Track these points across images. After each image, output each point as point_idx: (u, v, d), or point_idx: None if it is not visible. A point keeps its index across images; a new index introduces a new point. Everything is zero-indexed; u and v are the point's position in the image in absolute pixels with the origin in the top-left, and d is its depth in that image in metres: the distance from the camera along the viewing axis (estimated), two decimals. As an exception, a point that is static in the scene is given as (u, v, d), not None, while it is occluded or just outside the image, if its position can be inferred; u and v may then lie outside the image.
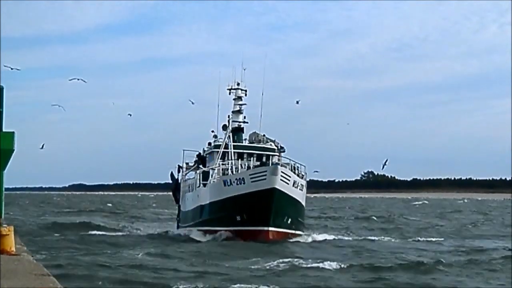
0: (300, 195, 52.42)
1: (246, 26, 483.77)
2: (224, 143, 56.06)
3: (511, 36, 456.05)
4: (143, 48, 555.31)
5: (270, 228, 49.13)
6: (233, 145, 56.25)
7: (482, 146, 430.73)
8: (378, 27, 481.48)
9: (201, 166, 60.99)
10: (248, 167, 54.50)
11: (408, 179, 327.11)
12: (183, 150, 65.85)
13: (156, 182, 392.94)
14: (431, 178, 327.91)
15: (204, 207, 54.12)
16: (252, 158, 57.41)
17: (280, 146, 58.57)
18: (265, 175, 48.44)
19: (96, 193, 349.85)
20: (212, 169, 55.42)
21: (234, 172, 53.61)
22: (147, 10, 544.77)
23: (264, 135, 60.88)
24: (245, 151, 58.05)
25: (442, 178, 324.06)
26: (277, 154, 58.95)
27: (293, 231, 51.77)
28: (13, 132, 18.92)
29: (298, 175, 53.01)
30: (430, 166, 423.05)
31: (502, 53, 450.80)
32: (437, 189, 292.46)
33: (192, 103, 77.85)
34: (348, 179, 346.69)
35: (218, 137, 60.60)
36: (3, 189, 20.21)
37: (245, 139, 60.81)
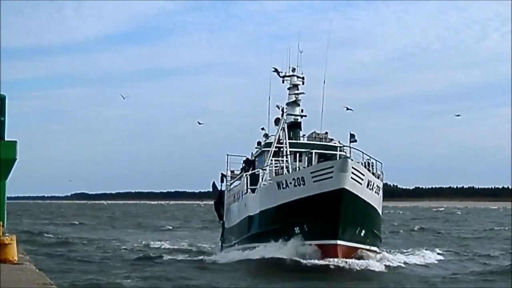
0: (376, 200, 40.57)
1: (247, 35, 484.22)
2: (277, 139, 44.58)
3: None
4: (145, 58, 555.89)
5: (339, 242, 37.78)
6: (289, 143, 44.82)
7: (484, 155, 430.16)
8: (380, 36, 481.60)
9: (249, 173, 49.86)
10: (310, 164, 43.15)
11: (411, 188, 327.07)
12: (227, 155, 53.53)
13: (158, 191, 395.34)
14: (434, 186, 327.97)
15: (253, 218, 42.83)
16: (312, 159, 45.73)
17: (351, 134, 43.89)
18: (331, 172, 37.23)
19: (99, 202, 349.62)
20: (262, 169, 44.14)
21: (290, 169, 42.23)
22: (149, 21, 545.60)
23: (326, 133, 49.52)
24: (303, 149, 46.37)
25: (445, 186, 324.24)
26: (344, 153, 46.17)
27: (367, 246, 40.09)
28: (15, 141, 18.88)
29: (373, 174, 40.77)
30: (433, 174, 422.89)
31: (505, 62, 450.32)
32: (439, 198, 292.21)
33: (200, 123, 69.04)
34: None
35: (270, 135, 49.92)
36: (5, 198, 20.20)
37: (303, 136, 49.79)
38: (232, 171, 54.11)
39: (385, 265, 37.68)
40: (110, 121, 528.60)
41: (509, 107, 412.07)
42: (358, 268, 35.86)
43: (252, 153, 52.69)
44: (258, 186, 43.12)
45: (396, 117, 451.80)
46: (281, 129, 44.63)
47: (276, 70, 51.26)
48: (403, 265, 39.17)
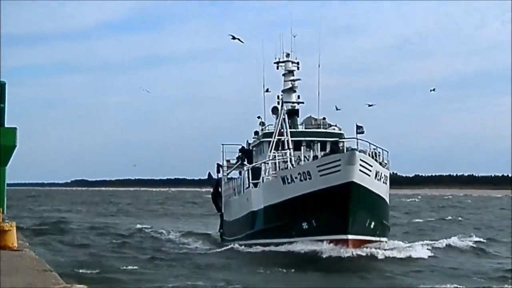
0: (384, 190, 40.22)
1: (246, 24, 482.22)
2: (277, 130, 43.20)
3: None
4: (144, 46, 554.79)
5: (350, 236, 37.31)
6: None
7: (484, 143, 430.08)
8: (379, 24, 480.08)
9: (246, 162, 48.76)
10: (315, 157, 41.38)
11: (410, 176, 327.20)
12: (223, 145, 52.05)
13: (157, 178, 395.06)
14: (433, 174, 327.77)
15: (256, 213, 41.75)
16: (313, 148, 45.24)
17: (358, 126, 42.53)
18: (339, 165, 36.41)
19: (99, 188, 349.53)
20: (264, 163, 42.78)
21: (294, 165, 41.18)
22: (148, 8, 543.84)
23: (324, 119, 48.14)
24: (303, 138, 45.34)
25: (444, 174, 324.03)
26: (345, 139, 45.20)
27: (377, 238, 39.89)
28: (15, 128, 18.92)
29: (380, 164, 40.20)
30: (432, 162, 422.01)
31: (505, 50, 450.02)
32: (439, 186, 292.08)
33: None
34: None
35: (267, 125, 48.80)
36: (5, 185, 20.24)
37: (301, 125, 48.46)
38: (228, 161, 52.79)
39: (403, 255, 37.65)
40: (109, 109, 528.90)
41: (509, 95, 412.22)
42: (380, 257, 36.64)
43: (247, 141, 51.78)
44: (260, 180, 42.07)
45: (396, 105, 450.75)
46: (281, 120, 43.49)
47: (233, 37, 50.13)
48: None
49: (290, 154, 41.59)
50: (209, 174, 56.34)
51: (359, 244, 37.81)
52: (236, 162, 51.39)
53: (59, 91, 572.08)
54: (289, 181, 38.46)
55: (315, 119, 47.98)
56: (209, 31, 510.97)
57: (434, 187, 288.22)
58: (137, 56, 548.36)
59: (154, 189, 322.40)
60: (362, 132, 42.50)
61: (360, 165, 36.54)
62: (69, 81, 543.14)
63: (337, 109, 52.29)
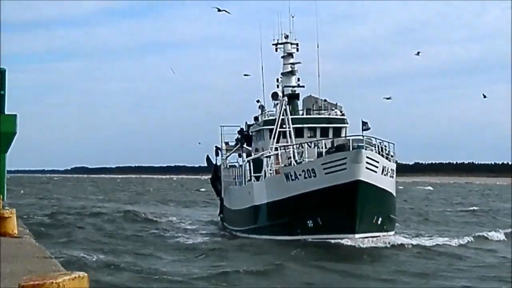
0: (390, 184, 39.83)
1: (247, 9, 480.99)
2: (279, 120, 42.26)
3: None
4: (145, 32, 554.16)
5: (357, 235, 36.72)
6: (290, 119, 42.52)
7: (483, 131, 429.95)
8: (379, 11, 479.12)
9: (245, 145, 48.31)
10: (320, 155, 39.38)
11: (410, 163, 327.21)
12: (221, 127, 51.18)
13: (158, 165, 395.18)
14: (433, 162, 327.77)
15: (259, 208, 41.17)
16: (314, 134, 44.35)
17: (363, 122, 41.73)
18: (345, 163, 35.85)
19: (99, 176, 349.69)
20: (266, 156, 41.66)
21: (297, 160, 40.02)
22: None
23: (325, 100, 46.87)
24: (304, 125, 44.40)
25: (444, 162, 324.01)
26: (347, 125, 45.06)
27: (384, 233, 39.06)
28: (15, 115, 18.86)
29: (386, 158, 39.59)
30: (432, 150, 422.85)
31: (504, 37, 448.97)
32: (439, 173, 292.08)
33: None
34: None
35: (266, 110, 47.63)
36: (5, 172, 20.21)
37: (301, 110, 47.21)
38: (227, 143, 51.85)
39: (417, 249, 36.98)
40: (109, 95, 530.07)
41: (508, 82, 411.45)
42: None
43: (246, 122, 50.42)
44: (262, 174, 41.41)
45: (395, 92, 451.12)
46: (282, 111, 42.40)
47: (218, 9, 49.33)
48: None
49: (293, 148, 40.75)
50: (208, 157, 55.06)
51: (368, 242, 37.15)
52: (235, 145, 50.45)
53: (59, 77, 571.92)
54: (293, 178, 37.92)
55: (316, 100, 46.84)
56: (210, 18, 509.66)
57: (434, 174, 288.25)
58: (137, 42, 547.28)
59: (155, 176, 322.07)
60: (368, 129, 41.63)
61: (367, 162, 36.01)
62: (69, 67, 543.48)
63: (387, 99, 52.06)
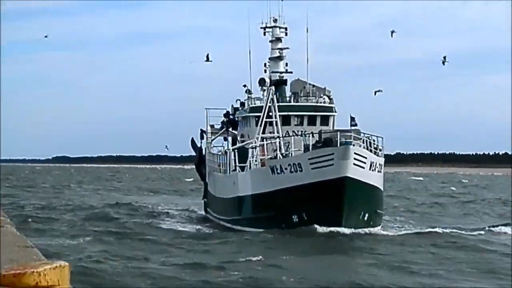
0: (378, 179, 39.20)
1: (228, 1, 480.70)
2: (266, 109, 41.30)
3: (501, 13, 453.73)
4: (128, 22, 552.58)
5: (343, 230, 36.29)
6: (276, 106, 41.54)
7: (465, 122, 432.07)
8: (365, 2, 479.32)
9: (231, 129, 47.50)
10: (306, 148, 38.31)
11: (392, 153, 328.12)
12: (206, 109, 50.30)
13: (139, 155, 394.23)
14: (415, 152, 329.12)
15: (244, 200, 40.68)
16: (301, 122, 43.76)
17: (351, 117, 41.72)
18: (332, 159, 35.23)
19: (80, 165, 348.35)
20: (252, 148, 40.90)
21: (283, 153, 39.22)
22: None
23: (313, 86, 45.74)
24: (291, 113, 43.79)
25: (426, 152, 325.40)
26: (335, 113, 44.52)
27: (371, 229, 38.31)
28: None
29: (375, 152, 39.00)
30: (414, 141, 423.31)
31: (487, 29, 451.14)
32: (420, 164, 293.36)
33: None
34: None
35: (253, 95, 46.83)
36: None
37: (289, 97, 46.25)
38: (212, 126, 50.92)
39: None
40: (92, 85, 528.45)
41: (494, 75, 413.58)
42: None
43: (232, 105, 49.44)
44: (247, 164, 40.64)
45: (379, 83, 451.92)
46: (269, 100, 41.35)
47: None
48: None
49: (279, 140, 39.94)
50: (193, 140, 53.85)
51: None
52: (221, 128, 49.56)
53: (41, 68, 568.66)
54: (279, 171, 37.31)
55: (304, 85, 45.64)
56: (192, 9, 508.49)
57: (415, 165, 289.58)
58: (122, 33, 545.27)
59: (138, 166, 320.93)
60: (356, 124, 41.28)
61: (355, 158, 35.47)
62: (51, 57, 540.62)
63: (376, 92, 49.82)
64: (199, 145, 53.31)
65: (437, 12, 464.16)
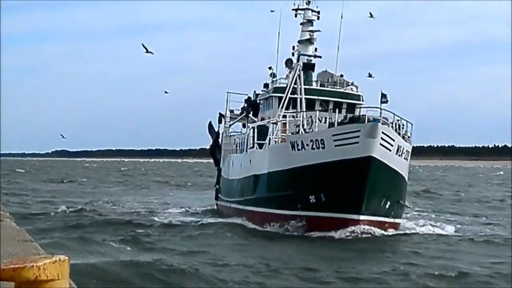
0: (404, 166, 36.02)
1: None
2: (291, 87, 39.21)
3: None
4: (126, 14, 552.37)
5: (362, 217, 33.06)
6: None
7: (464, 114, 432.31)
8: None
9: (251, 115, 45.13)
10: (331, 124, 35.97)
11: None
12: (228, 93, 48.75)
13: (139, 149, 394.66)
14: (414, 145, 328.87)
15: (259, 178, 38.04)
16: (327, 108, 40.73)
17: (382, 94, 37.06)
18: (358, 136, 32.20)
19: (79, 159, 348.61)
20: (273, 123, 38.57)
21: (306, 129, 36.66)
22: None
23: (342, 76, 44.37)
24: (317, 97, 41.53)
25: (425, 145, 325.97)
26: (362, 102, 42.28)
27: (391, 220, 35.42)
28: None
29: (403, 137, 35.65)
30: (413, 133, 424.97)
31: (487, 20, 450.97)
32: (419, 156, 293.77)
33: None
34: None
35: (278, 77, 45.22)
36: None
37: (315, 81, 44.21)
38: (232, 111, 49.09)
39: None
40: (90, 78, 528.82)
41: (490, 65, 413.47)
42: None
43: (255, 91, 47.79)
44: (266, 141, 38.26)
45: (377, 74, 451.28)
46: (296, 77, 39.25)
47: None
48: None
49: (302, 117, 37.41)
50: (210, 124, 51.30)
51: (370, 225, 33.51)
52: (241, 114, 47.73)
53: (39, 60, 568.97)
54: (299, 147, 34.38)
55: (332, 75, 44.10)
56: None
57: (414, 157, 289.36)
58: (119, 24, 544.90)
59: (141, 160, 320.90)
60: (387, 101, 37.09)
61: (382, 138, 32.36)
62: (49, 49, 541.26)
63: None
64: (216, 130, 51.08)
65: (433, 2, 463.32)
